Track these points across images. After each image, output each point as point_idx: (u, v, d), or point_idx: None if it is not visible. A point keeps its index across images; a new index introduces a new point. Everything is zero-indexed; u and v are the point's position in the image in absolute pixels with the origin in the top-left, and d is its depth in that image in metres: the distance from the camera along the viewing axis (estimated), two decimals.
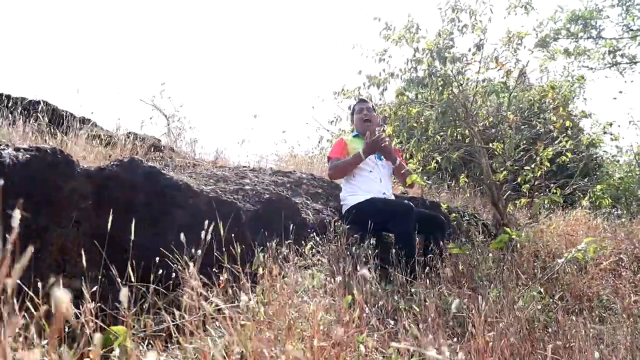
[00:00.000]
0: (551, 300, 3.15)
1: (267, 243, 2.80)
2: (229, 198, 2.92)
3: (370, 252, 3.32)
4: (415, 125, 5.45)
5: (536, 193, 5.57)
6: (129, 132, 5.19)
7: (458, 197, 7.24)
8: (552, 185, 5.27)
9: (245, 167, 4.77)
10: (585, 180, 8.60)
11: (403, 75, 5.50)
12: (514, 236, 3.60)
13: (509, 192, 5.55)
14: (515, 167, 5.32)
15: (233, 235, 2.43)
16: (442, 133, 5.37)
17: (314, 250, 3.24)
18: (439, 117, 4.89)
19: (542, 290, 3.25)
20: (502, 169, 5.25)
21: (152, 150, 4.88)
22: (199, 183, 3.15)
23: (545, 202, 5.47)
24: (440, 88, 5.00)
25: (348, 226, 3.78)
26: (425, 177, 7.31)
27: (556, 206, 5.89)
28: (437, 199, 6.15)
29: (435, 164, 5.69)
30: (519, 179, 5.36)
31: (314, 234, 3.45)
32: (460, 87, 5.11)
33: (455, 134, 5.27)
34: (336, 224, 3.78)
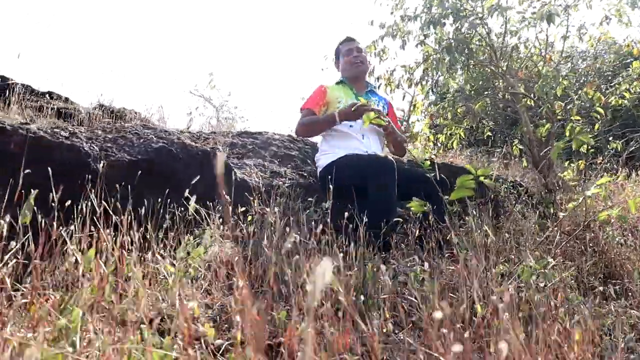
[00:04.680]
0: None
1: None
2: (70, 140, 2.15)
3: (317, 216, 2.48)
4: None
5: (590, 150, 4.43)
6: (98, 105, 4.60)
7: (513, 168, 6.18)
8: (609, 138, 4.16)
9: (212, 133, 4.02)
10: None
11: (418, 16, 4.51)
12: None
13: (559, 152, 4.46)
14: (560, 119, 4.20)
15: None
16: (456, 77, 4.36)
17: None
18: (443, 56, 3.89)
19: (550, 260, 2.26)
20: (543, 120, 4.18)
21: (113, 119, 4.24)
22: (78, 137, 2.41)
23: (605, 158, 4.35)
24: (450, 22, 4.01)
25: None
26: (468, 145, 6.30)
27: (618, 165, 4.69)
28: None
29: (467, 127, 4.71)
30: (566, 133, 4.23)
31: (254, 199, 2.64)
32: (479, 19, 4.07)
33: (470, 77, 4.24)
34: (286, 187, 2.94)
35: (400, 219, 2.84)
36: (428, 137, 5.57)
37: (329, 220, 2.68)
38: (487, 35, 4.27)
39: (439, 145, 5.36)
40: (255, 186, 2.88)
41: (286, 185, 3.03)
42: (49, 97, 4.50)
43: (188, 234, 2.20)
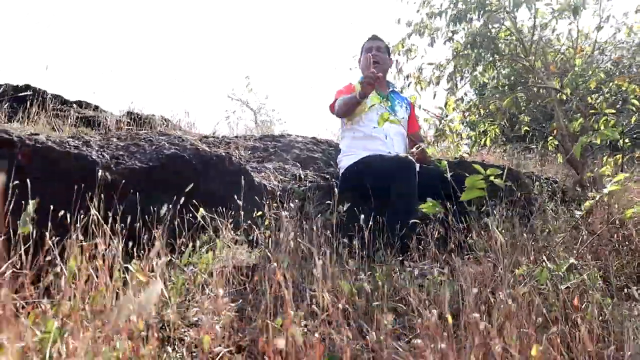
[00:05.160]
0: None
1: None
2: (83, 152, 2.16)
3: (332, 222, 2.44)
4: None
5: (627, 144, 4.24)
6: (127, 112, 4.65)
7: (551, 165, 5.99)
8: None
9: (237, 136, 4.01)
10: None
11: (443, 12, 4.40)
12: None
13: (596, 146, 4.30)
14: (593, 113, 4.04)
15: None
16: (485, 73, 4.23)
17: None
18: (465, 50, 3.78)
19: (573, 261, 2.16)
20: (576, 114, 4.03)
21: (138, 125, 4.27)
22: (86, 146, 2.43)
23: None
24: (476, 17, 3.90)
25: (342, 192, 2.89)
26: (504, 143, 6.18)
27: None
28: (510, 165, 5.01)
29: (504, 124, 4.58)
30: (599, 126, 4.05)
31: (269, 202, 2.61)
32: (506, 13, 3.95)
33: (498, 72, 4.11)
34: (305, 190, 2.90)
35: (419, 221, 2.77)
36: (460, 134, 5.44)
37: (346, 223, 2.64)
38: (516, 28, 4.14)
39: (472, 142, 5.23)
40: (273, 189, 2.85)
41: (306, 187, 2.99)
42: (77, 106, 4.57)
43: (198, 240, 2.19)
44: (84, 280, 1.36)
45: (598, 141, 2.49)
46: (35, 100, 4.03)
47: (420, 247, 2.54)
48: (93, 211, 1.68)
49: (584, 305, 1.99)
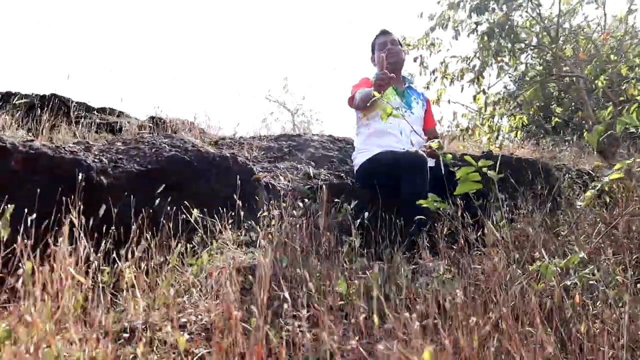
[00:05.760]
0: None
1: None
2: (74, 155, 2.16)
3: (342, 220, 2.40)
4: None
5: None
6: (150, 117, 4.69)
7: (588, 157, 5.76)
8: None
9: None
10: None
11: (462, 2, 4.29)
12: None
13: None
14: (621, 100, 3.85)
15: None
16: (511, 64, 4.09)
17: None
18: (487, 43, 3.66)
19: (583, 255, 2.05)
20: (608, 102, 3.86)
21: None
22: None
23: None
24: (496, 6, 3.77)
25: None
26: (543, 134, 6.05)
27: None
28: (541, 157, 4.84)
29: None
30: (631, 114, 3.85)
31: (273, 202, 2.58)
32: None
33: (519, 62, 3.97)
34: (315, 189, 2.86)
35: (424, 218, 2.67)
36: (491, 127, 5.30)
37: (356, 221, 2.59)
38: (539, 16, 4.00)
39: (494, 135, 5.08)
40: (281, 189, 2.81)
41: (313, 186, 2.94)
42: (101, 113, 4.64)
43: (193, 241, 2.17)
44: (42, 283, 1.35)
45: (618, 129, 2.36)
46: (60, 109, 4.11)
47: (428, 244, 2.46)
48: (74, 214, 1.68)
49: (590, 301, 1.88)
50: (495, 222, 2.58)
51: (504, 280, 1.87)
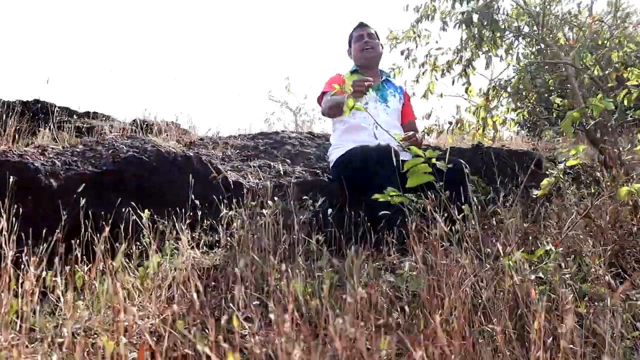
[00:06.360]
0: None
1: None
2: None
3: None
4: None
5: None
6: (133, 120, 4.65)
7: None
8: None
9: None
10: None
11: None
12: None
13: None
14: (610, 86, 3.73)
15: None
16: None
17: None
18: (469, 31, 3.56)
19: (552, 248, 1.97)
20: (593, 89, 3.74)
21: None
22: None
23: None
24: None
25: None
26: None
27: None
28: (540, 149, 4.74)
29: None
30: (623, 99, 3.71)
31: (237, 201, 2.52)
32: None
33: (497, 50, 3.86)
34: (286, 187, 2.79)
35: (392, 212, 2.59)
36: (485, 119, 5.17)
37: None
38: (524, 3, 3.90)
39: (481, 127, 4.96)
40: (249, 188, 2.75)
41: (281, 184, 2.88)
42: (85, 117, 4.62)
43: (143, 242, 2.12)
44: None
45: (595, 114, 2.27)
46: (41, 114, 4.10)
47: (394, 240, 2.38)
48: (4, 217, 1.63)
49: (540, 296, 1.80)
50: (463, 215, 2.50)
51: (456, 277, 1.79)
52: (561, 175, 1.82)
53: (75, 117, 4.53)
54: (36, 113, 4.24)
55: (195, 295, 1.68)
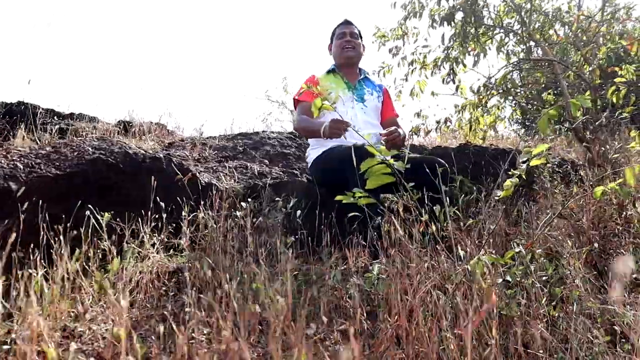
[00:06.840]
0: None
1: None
2: None
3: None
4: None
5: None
6: (118, 121, 4.62)
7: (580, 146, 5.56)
8: None
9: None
10: None
11: None
12: None
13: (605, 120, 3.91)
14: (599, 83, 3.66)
15: None
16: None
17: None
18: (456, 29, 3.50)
19: (521, 250, 1.92)
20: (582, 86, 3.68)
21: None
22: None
23: None
24: None
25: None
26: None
27: None
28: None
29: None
30: (610, 97, 3.65)
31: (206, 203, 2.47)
32: None
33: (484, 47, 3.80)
34: (260, 188, 2.74)
35: (362, 214, 2.53)
36: (477, 118, 5.10)
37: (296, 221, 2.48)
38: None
39: (468, 125, 4.90)
40: (223, 190, 2.71)
41: (267, 185, 2.83)
42: (70, 119, 4.58)
43: (104, 247, 2.07)
44: None
45: (573, 112, 2.22)
46: (24, 115, 4.07)
47: (364, 242, 2.33)
48: None
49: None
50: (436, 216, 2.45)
51: (419, 280, 1.74)
52: (523, 176, 1.75)
53: (59, 118, 4.50)
54: (19, 114, 4.20)
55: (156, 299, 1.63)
